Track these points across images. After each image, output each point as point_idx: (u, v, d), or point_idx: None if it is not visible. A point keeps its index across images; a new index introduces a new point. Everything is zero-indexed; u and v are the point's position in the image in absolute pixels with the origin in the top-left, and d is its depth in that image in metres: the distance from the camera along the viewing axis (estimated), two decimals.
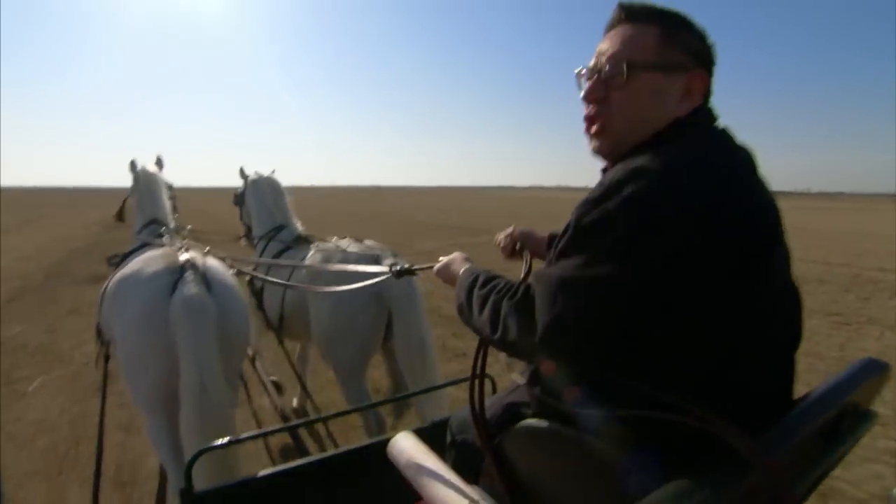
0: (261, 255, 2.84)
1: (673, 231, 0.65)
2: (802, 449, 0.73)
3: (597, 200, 0.70)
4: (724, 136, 0.80)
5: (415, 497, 0.96)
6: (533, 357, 0.80)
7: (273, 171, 3.23)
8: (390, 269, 1.60)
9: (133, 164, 2.72)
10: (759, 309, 0.72)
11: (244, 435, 1.29)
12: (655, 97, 0.81)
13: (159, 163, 2.83)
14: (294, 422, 1.63)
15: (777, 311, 0.76)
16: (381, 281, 1.72)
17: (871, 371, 0.87)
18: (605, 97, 0.83)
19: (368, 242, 2.50)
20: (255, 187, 3.14)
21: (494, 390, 1.46)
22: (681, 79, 0.80)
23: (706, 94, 0.84)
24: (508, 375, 1.03)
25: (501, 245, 1.34)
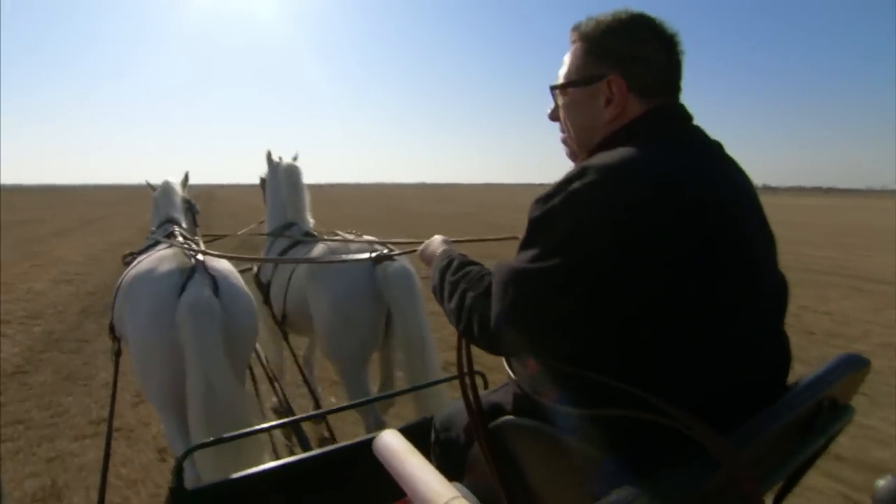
0: (267, 252, 2.79)
1: (611, 225, 0.66)
2: (776, 443, 0.72)
3: (547, 197, 0.73)
4: (681, 134, 0.81)
5: (400, 494, 0.95)
6: (491, 350, 0.81)
7: (296, 157, 3.04)
8: (370, 253, 1.68)
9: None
10: (723, 301, 0.71)
11: (228, 434, 1.31)
12: (583, 109, 0.87)
13: (185, 180, 3.09)
14: (292, 417, 1.52)
15: (747, 304, 0.74)
16: (378, 279, 2.09)
17: (851, 366, 0.85)
18: (558, 116, 0.93)
19: (368, 237, 2.44)
20: (272, 179, 2.99)
21: (486, 386, 1.44)
22: (600, 87, 0.83)
23: (663, 90, 0.83)
24: (497, 372, 0.99)
25: None
